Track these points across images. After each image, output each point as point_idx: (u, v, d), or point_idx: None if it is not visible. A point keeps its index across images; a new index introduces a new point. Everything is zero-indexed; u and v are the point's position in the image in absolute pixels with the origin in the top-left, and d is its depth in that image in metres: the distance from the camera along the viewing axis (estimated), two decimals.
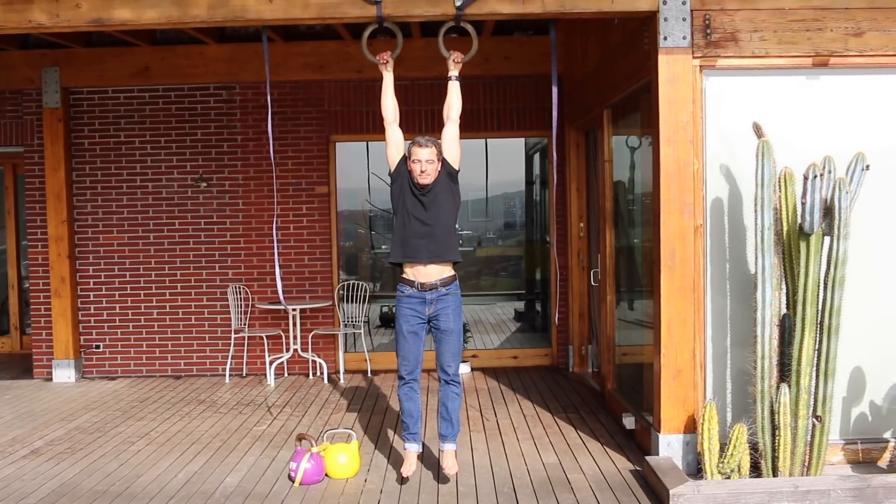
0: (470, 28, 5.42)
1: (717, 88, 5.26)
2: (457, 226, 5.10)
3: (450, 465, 5.01)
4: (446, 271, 5.00)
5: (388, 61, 5.20)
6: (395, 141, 5.12)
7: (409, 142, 5.05)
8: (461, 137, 5.05)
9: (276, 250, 5.98)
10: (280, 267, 8.52)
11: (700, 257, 5.21)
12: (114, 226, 8.78)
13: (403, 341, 5.06)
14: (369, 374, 8.52)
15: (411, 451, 5.09)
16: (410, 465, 5.04)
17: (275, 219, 6.17)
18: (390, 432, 6.26)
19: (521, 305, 10.24)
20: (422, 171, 4.90)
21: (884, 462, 5.24)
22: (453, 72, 5.07)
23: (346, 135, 8.77)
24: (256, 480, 5.19)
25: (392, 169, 5.11)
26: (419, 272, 4.97)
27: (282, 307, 8.29)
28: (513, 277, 10.65)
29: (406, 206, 5.00)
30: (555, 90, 5.46)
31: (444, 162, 4.98)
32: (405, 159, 5.06)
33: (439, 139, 5.04)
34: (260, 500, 4.83)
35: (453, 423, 5.05)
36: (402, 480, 5.10)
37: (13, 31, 5.50)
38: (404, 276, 5.04)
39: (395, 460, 5.54)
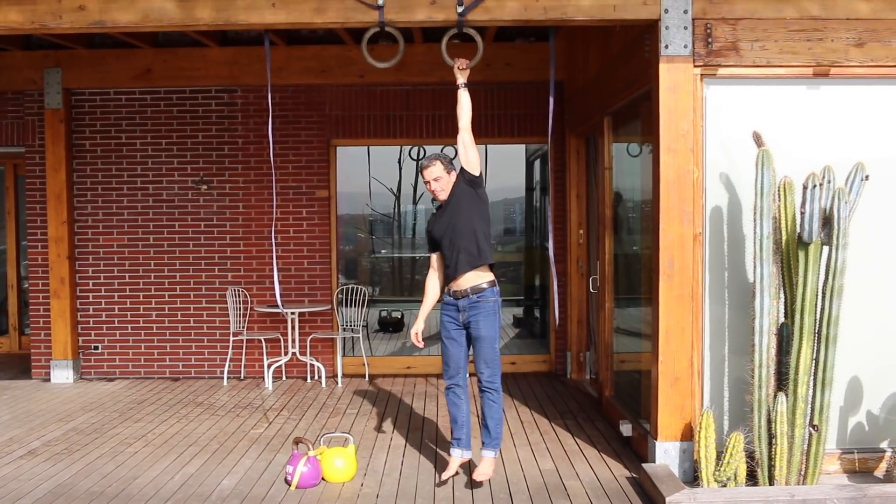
0: (474, 33, 5.43)
1: (717, 97, 5.28)
2: (486, 228, 5.04)
3: (480, 472, 4.97)
4: (480, 278, 5.00)
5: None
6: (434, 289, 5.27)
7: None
8: None
9: (274, 254, 5.99)
10: (279, 271, 8.55)
11: (699, 265, 5.22)
12: (114, 227, 8.79)
13: (443, 347, 5.14)
14: (367, 379, 8.53)
15: (453, 456, 5.11)
16: (449, 470, 5.08)
17: (273, 223, 6.19)
18: (387, 437, 6.25)
19: (519, 311, 10.24)
20: (434, 191, 5.05)
21: (880, 472, 5.24)
22: (461, 79, 5.05)
23: (347, 139, 8.79)
24: (253, 483, 5.19)
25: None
26: (454, 282, 5.05)
27: (283, 310, 8.30)
28: (512, 283, 10.65)
29: (441, 231, 5.07)
30: (551, 98, 5.47)
31: (462, 171, 4.99)
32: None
33: (445, 147, 5.09)
34: (256, 503, 4.83)
35: (490, 430, 5.03)
36: (438, 482, 5.14)
37: (16, 32, 5.51)
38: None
39: (392, 465, 5.54)
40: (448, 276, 5.09)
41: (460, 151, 5.00)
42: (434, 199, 5.16)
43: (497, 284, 5.09)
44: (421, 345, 5.19)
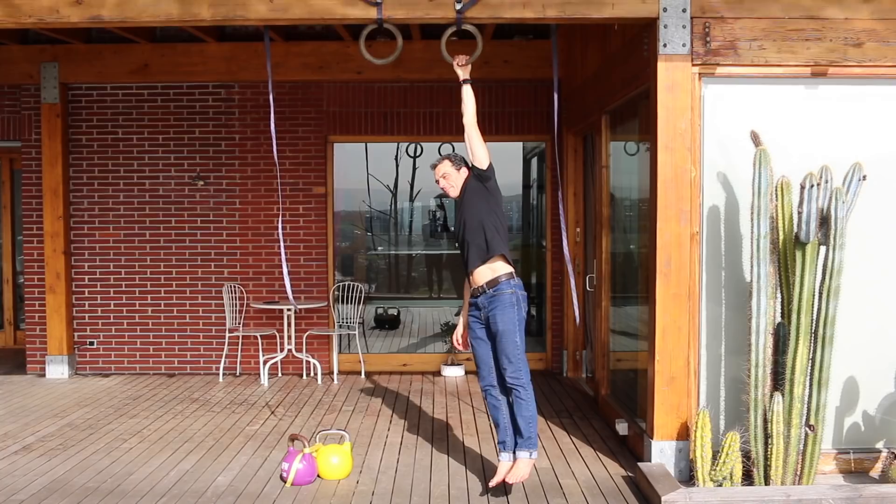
0: (473, 29, 5.41)
1: (715, 96, 5.27)
2: (497, 220, 4.94)
3: (513, 474, 4.79)
4: (495, 272, 4.89)
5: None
6: None
7: None
8: (462, 140, 5.06)
9: (282, 248, 6.01)
10: (280, 266, 8.54)
11: (696, 265, 5.22)
12: (110, 223, 8.77)
13: (473, 350, 5.07)
14: (363, 376, 8.52)
15: (500, 460, 4.95)
16: (497, 475, 4.87)
17: (280, 216, 6.18)
18: (383, 434, 6.25)
19: None
20: (443, 188, 5.08)
21: (876, 472, 5.25)
22: (462, 75, 5.03)
23: (344, 135, 8.77)
24: (248, 480, 5.18)
25: None
26: (471, 279, 5.00)
27: (279, 307, 8.30)
28: None
29: (456, 230, 5.13)
30: (556, 95, 5.45)
31: (472, 167, 4.98)
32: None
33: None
34: (251, 499, 4.82)
35: (521, 430, 4.83)
36: (484, 489, 4.98)
37: (13, 27, 5.49)
38: None
39: (388, 462, 5.54)
40: (466, 275, 5.03)
41: (467, 147, 4.98)
42: (446, 197, 5.16)
43: (515, 276, 4.94)
44: (460, 347, 5.24)
